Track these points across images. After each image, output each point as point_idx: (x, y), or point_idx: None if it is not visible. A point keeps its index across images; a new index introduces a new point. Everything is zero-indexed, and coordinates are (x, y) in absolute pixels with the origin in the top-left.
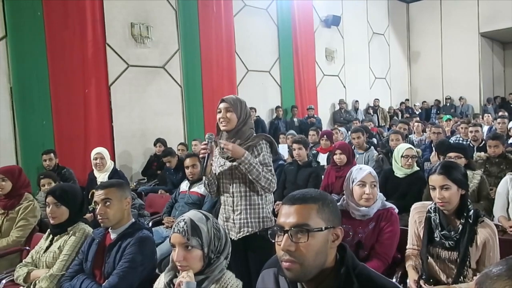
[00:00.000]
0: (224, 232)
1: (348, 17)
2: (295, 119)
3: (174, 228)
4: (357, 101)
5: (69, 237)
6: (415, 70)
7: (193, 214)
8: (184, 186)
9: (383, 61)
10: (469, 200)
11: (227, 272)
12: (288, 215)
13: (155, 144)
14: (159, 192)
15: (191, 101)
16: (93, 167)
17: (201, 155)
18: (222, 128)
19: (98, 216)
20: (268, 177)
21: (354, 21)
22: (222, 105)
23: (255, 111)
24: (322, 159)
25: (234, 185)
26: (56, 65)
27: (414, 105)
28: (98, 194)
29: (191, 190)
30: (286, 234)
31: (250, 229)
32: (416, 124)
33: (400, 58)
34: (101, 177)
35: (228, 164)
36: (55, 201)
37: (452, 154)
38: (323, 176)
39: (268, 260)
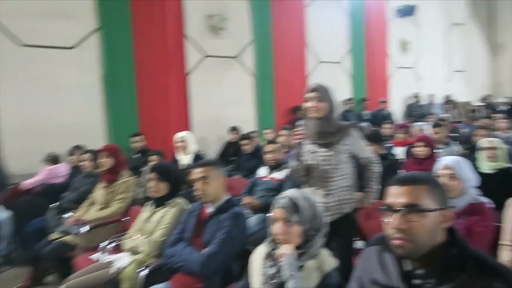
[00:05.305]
0: (322, 212)
1: (424, 7)
2: (366, 112)
3: (276, 204)
4: (432, 94)
5: (169, 209)
6: (499, 64)
7: (294, 192)
8: (263, 172)
9: (462, 53)
10: None
11: (324, 250)
12: (398, 195)
13: (229, 132)
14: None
15: (262, 90)
16: (176, 150)
17: (295, 141)
18: (312, 116)
19: (197, 192)
20: (378, 173)
21: (430, 10)
22: (312, 94)
23: None
24: (398, 152)
25: (327, 170)
26: (140, 55)
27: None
28: (197, 172)
29: (271, 176)
30: (397, 213)
31: (344, 211)
32: (499, 120)
33: (481, 50)
34: (184, 159)
35: (321, 150)
36: (157, 176)
37: None
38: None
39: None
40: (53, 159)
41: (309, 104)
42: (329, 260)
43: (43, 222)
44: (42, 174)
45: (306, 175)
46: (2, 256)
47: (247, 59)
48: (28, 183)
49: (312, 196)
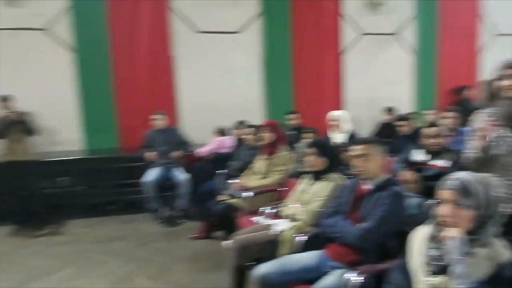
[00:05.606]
0: (499, 199)
1: None
2: None
3: (444, 185)
4: None
5: (325, 183)
6: None
7: (468, 174)
8: (420, 156)
9: None
10: None
11: (499, 240)
12: None
13: (384, 112)
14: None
15: (423, 69)
16: (329, 128)
17: (488, 132)
18: (509, 95)
19: (356, 169)
20: None
21: None
22: (511, 71)
23: None
24: None
25: None
26: (297, 37)
27: None
28: (357, 149)
29: (432, 162)
30: None
31: None
32: None
33: None
34: (338, 138)
35: None
36: (316, 151)
37: None
38: None
39: None
40: (221, 132)
41: (506, 82)
42: (504, 251)
43: (213, 185)
44: (212, 144)
45: (485, 164)
46: (182, 210)
47: (407, 35)
48: (201, 151)
49: (489, 181)
